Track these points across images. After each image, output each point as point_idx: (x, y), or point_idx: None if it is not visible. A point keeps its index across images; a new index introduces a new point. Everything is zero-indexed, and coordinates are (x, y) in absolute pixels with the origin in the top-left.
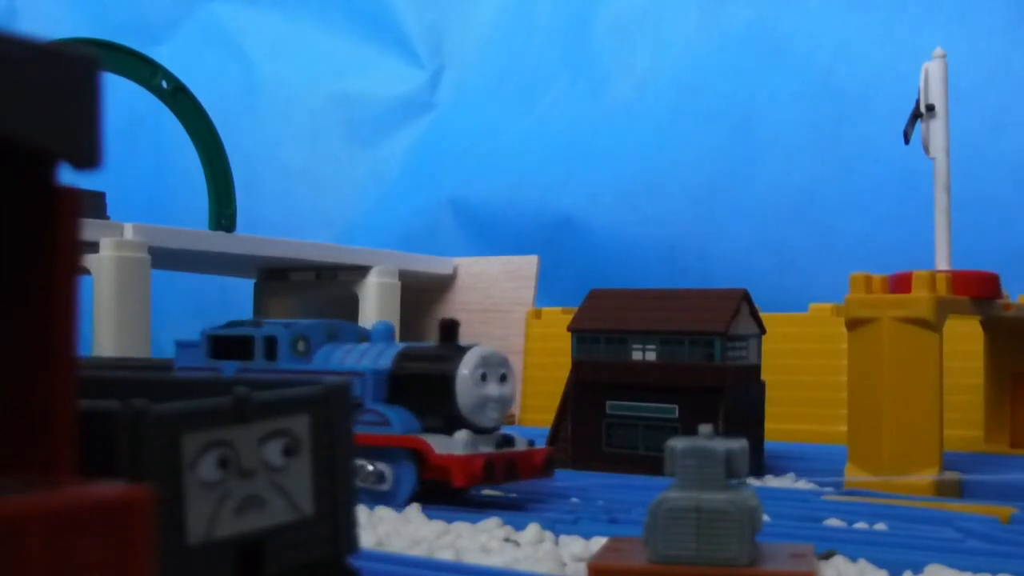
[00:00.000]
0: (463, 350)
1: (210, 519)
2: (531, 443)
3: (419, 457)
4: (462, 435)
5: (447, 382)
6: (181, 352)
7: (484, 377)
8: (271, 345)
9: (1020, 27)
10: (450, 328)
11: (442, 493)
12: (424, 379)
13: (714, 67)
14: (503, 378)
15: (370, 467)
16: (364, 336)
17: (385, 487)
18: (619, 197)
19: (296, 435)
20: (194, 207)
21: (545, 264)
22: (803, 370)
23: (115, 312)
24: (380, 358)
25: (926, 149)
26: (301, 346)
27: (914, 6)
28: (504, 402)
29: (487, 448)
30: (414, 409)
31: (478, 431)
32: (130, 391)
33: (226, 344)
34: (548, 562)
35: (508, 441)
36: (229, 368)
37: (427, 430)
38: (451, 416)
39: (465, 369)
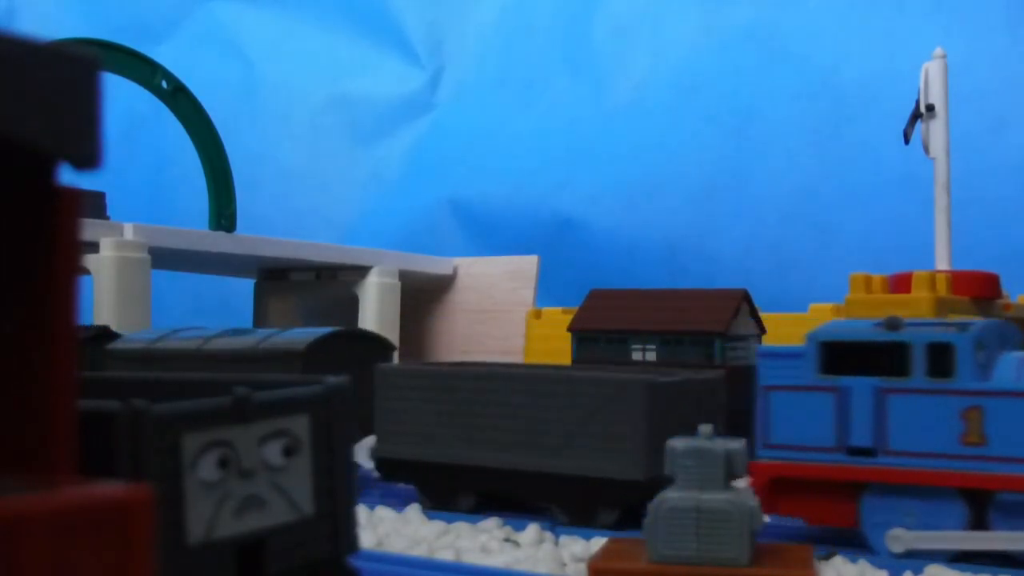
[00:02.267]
0: None
1: (210, 519)
2: None
3: None
4: None
5: None
6: (767, 365)
7: None
8: (943, 354)
9: (1020, 27)
10: None
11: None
12: None
13: (714, 67)
14: None
15: None
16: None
17: None
18: (619, 197)
19: (296, 435)
20: (194, 207)
21: (545, 264)
22: None
23: (115, 312)
24: None
25: (926, 149)
26: (981, 356)
27: (914, 6)
28: None
29: None
30: None
31: None
32: (130, 391)
33: (854, 353)
34: (548, 562)
35: None
36: (861, 387)
37: None
38: None
39: None
